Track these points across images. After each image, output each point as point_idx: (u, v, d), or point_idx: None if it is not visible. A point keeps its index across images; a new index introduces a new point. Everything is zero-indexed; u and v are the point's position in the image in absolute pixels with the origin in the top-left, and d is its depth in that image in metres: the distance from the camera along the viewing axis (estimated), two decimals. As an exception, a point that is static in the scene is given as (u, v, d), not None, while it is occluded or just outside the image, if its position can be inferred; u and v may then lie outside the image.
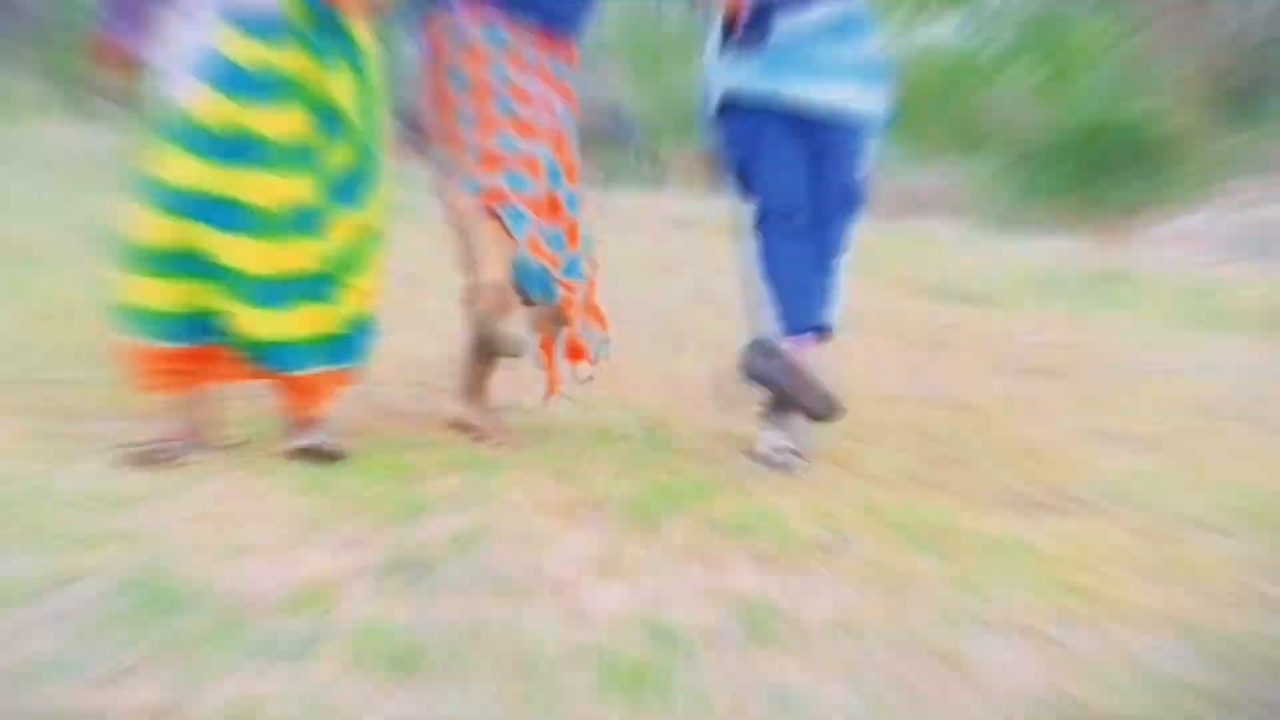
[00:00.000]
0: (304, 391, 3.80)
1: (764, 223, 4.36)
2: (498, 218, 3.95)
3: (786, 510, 3.68)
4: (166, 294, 3.57)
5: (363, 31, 3.75)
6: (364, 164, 3.76)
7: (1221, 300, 8.41)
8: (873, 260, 8.39)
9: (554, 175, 4.11)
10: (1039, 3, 18.15)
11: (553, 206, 4.13)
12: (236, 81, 3.52)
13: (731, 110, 4.43)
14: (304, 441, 3.80)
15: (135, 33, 3.72)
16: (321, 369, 3.77)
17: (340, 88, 3.68)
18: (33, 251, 6.40)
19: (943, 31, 18.62)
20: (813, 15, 4.30)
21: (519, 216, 3.94)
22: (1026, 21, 17.47)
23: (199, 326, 3.64)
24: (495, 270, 3.97)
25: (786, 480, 4.05)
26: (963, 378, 5.76)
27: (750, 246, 4.38)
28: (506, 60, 4.01)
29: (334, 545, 3.22)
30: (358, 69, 3.73)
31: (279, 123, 3.56)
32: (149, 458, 3.61)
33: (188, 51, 3.59)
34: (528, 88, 4.04)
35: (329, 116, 3.66)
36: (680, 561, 3.32)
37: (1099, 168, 14.46)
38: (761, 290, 4.34)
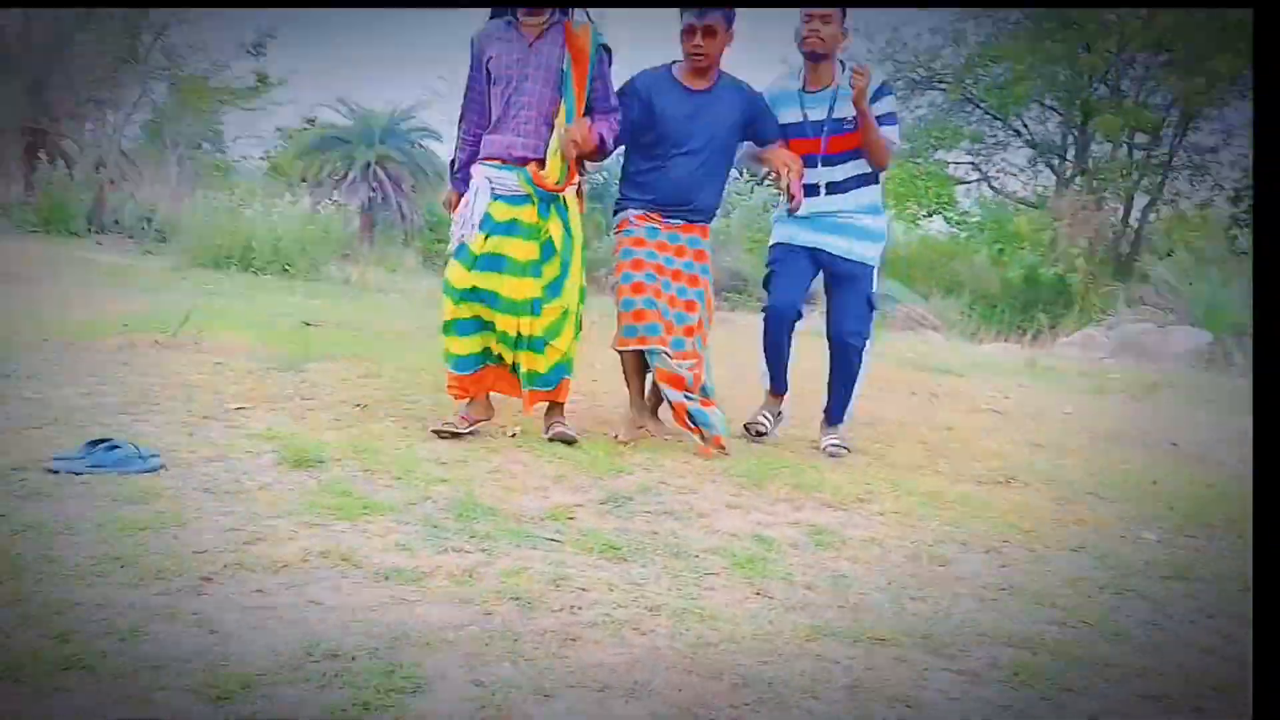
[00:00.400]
0: (538, 399, 3.92)
1: (769, 318, 4.23)
2: (640, 354, 4.02)
3: (838, 479, 3.63)
4: (463, 345, 3.83)
5: (571, 201, 3.85)
6: (563, 276, 3.82)
7: (1101, 379, 8.29)
8: (891, 351, 8.29)
9: (680, 320, 4.03)
10: (992, 205, 17.94)
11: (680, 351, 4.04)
12: (495, 228, 3.75)
13: (775, 248, 4.30)
14: (554, 430, 3.87)
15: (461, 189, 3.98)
16: (535, 389, 3.88)
17: (554, 231, 3.80)
18: (405, 337, 6.60)
19: (936, 224, 18.52)
20: (862, 197, 4.18)
21: (654, 354, 3.96)
22: (985, 218, 17.28)
23: (481, 360, 3.89)
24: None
25: (839, 463, 3.98)
26: (946, 413, 5.63)
27: (764, 334, 4.27)
28: (656, 246, 4.02)
29: (570, 488, 3.26)
30: (565, 222, 3.82)
31: (518, 249, 3.76)
32: (453, 433, 3.78)
33: (471, 211, 3.78)
34: (667, 264, 4.03)
35: (548, 247, 3.79)
36: (775, 503, 3.30)
37: (1030, 303, 14.30)
38: (765, 363, 4.32)
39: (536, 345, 3.81)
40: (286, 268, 10.93)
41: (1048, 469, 4.28)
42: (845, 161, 4.14)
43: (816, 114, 4.11)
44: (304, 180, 17.59)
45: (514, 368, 3.88)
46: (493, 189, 3.78)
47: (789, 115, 4.14)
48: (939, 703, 1.93)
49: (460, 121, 3.95)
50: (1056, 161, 17.49)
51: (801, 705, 1.85)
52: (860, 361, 4.23)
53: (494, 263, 3.75)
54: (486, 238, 3.75)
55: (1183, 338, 11.48)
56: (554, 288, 3.81)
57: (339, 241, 13.51)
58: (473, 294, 3.75)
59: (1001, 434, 5.10)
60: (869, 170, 4.17)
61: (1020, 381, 7.82)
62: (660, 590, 2.40)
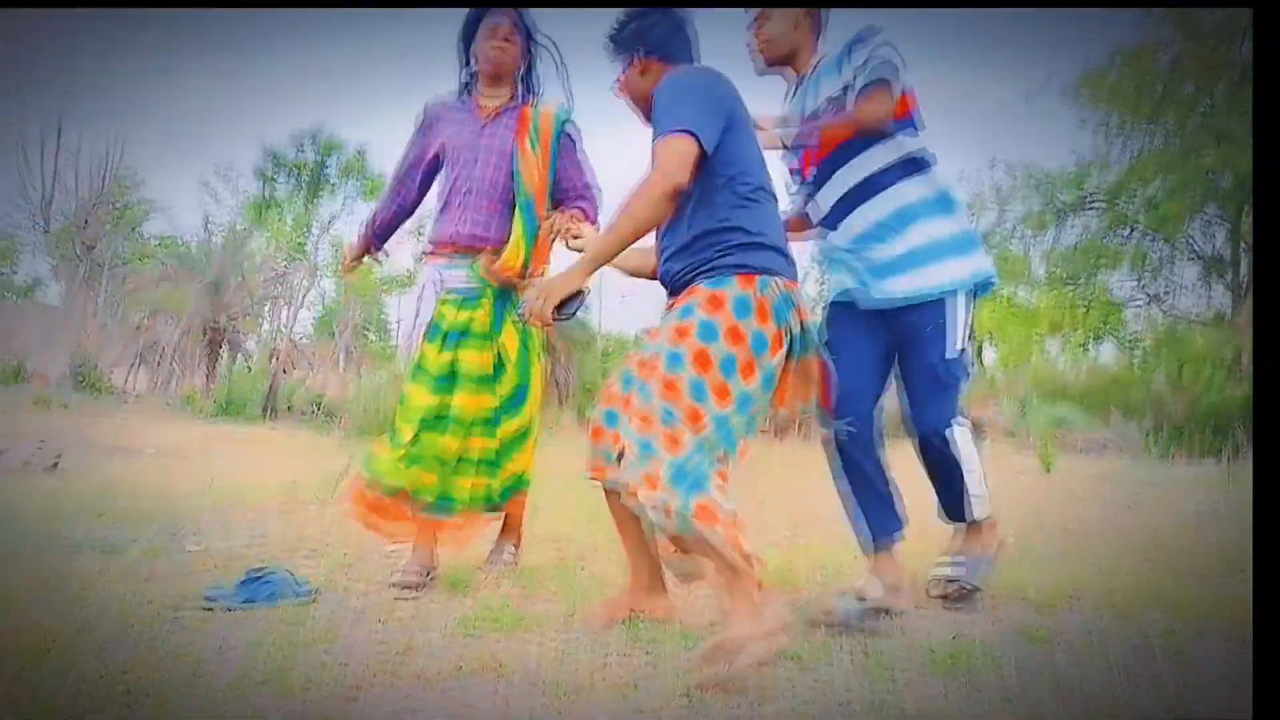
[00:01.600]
0: (479, 524, 3.49)
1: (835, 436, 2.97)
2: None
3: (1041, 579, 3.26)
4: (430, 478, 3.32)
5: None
6: (524, 386, 3.40)
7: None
8: (1076, 469, 7.74)
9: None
10: (1164, 325, 17.10)
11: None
12: (449, 336, 3.33)
13: (829, 310, 3.15)
14: (502, 558, 3.55)
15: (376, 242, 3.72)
16: (487, 509, 3.42)
17: (508, 341, 3.38)
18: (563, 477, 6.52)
19: (1106, 350, 17.79)
20: (854, 225, 2.98)
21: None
22: (1160, 338, 16.45)
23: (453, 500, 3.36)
24: None
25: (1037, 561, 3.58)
26: (1147, 517, 5.12)
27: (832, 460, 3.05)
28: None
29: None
30: (521, 328, 3.41)
31: (472, 360, 3.32)
32: (416, 584, 3.24)
33: (416, 315, 3.43)
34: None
35: (502, 356, 3.36)
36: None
37: (1223, 424, 13.37)
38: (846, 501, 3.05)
39: (490, 467, 3.37)
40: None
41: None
42: (830, 175, 3.03)
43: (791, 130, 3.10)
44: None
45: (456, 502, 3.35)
46: (442, 286, 3.40)
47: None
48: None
49: (389, 184, 3.66)
50: (1229, 275, 16.61)
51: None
52: (954, 451, 2.93)
53: (449, 377, 3.32)
54: (441, 349, 3.33)
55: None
56: (511, 401, 3.38)
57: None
58: (427, 416, 3.28)
59: (1217, 531, 4.59)
60: (881, 167, 2.95)
61: (1226, 493, 7.14)
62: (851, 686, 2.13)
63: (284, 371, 17.02)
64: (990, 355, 19.30)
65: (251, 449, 9.31)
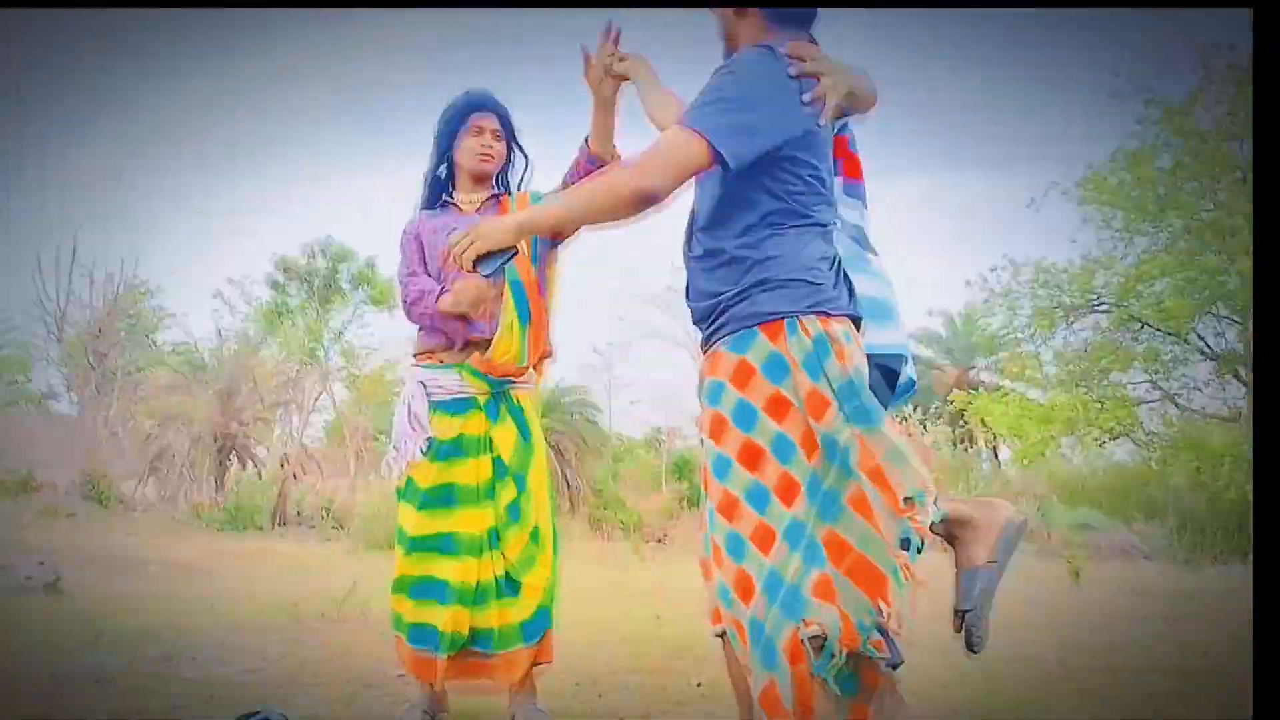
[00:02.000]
0: (509, 668, 3.02)
1: None
2: None
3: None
4: (424, 612, 3.01)
5: (526, 400, 3.15)
6: (520, 492, 3.04)
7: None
8: (1102, 579, 7.53)
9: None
10: (1180, 423, 16.94)
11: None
12: (441, 450, 3.01)
13: None
14: (520, 713, 3.02)
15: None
16: (516, 649, 3.00)
17: (503, 441, 3.05)
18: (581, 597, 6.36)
19: (1124, 448, 17.62)
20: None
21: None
22: (1176, 437, 16.27)
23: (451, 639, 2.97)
24: None
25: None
26: (1191, 635, 4.93)
27: None
28: None
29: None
30: (520, 426, 3.10)
31: (468, 472, 3.00)
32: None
33: (403, 428, 3.06)
34: None
35: (498, 464, 3.03)
36: None
37: (1241, 525, 13.21)
38: None
39: (508, 589, 3.01)
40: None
41: None
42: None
43: None
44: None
45: (480, 640, 3.00)
46: (428, 395, 3.07)
47: None
48: None
49: (405, 307, 3.13)
50: (1243, 371, 16.49)
51: None
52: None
53: (445, 496, 3.01)
54: (433, 464, 3.02)
55: None
56: (512, 510, 3.03)
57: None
58: (426, 542, 2.99)
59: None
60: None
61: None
62: None
63: (294, 477, 16.92)
64: (1005, 454, 19.13)
65: (257, 563, 9.18)
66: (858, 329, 2.13)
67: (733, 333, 2.06)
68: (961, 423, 17.83)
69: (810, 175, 2.10)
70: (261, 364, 17.63)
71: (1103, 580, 7.71)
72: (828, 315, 2.04)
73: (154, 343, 20.79)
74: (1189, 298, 14.98)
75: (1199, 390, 17.33)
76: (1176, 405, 17.40)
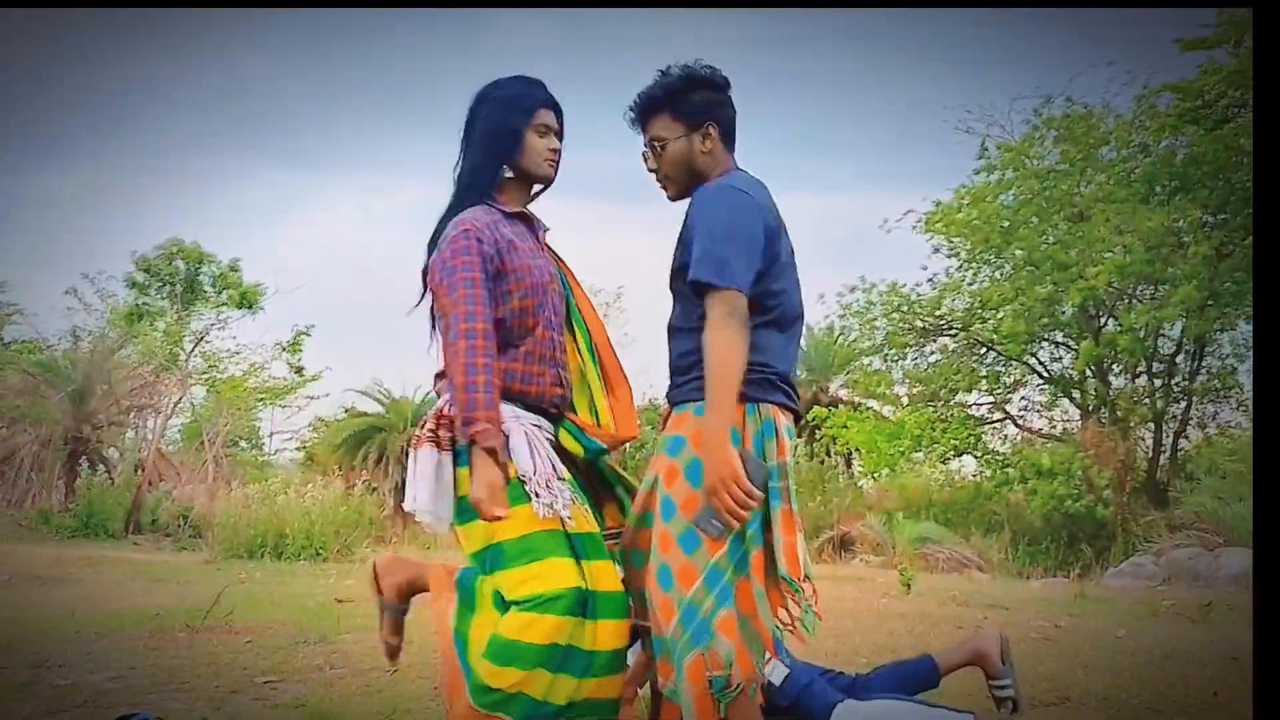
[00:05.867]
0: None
1: None
2: None
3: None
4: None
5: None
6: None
7: (1154, 604, 8.01)
8: (934, 590, 8.11)
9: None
10: (1021, 442, 18.05)
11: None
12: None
13: None
14: None
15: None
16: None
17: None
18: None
19: (967, 464, 18.60)
20: None
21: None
22: (1013, 456, 17.31)
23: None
24: None
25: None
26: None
27: None
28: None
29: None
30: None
31: (580, 520, 2.46)
32: None
33: (542, 462, 2.47)
34: None
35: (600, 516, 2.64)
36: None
37: (1073, 539, 14.19)
38: None
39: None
40: (319, 552, 11.01)
41: (1102, 689, 4.11)
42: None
43: None
44: (339, 468, 17.97)
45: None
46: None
47: None
48: None
49: (468, 343, 2.40)
50: (1077, 395, 17.70)
51: None
52: None
53: (594, 544, 2.47)
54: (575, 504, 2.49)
55: (1235, 559, 11.19)
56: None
57: (373, 524, 13.62)
58: (581, 601, 2.36)
59: (1052, 659, 4.93)
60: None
61: (1071, 611, 7.59)
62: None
63: (149, 484, 16.47)
64: (857, 467, 19.98)
65: (114, 571, 9.00)
66: (796, 423, 2.51)
67: (698, 402, 2.34)
68: (818, 437, 18.59)
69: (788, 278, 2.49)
70: (119, 366, 17.10)
71: (932, 590, 8.28)
72: (783, 408, 2.43)
73: (1, 340, 19.93)
74: (1026, 323, 16.02)
75: (1037, 412, 18.54)
76: (1017, 425, 18.56)
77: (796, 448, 2.58)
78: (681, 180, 2.55)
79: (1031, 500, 15.18)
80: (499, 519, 2.33)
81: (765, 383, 2.39)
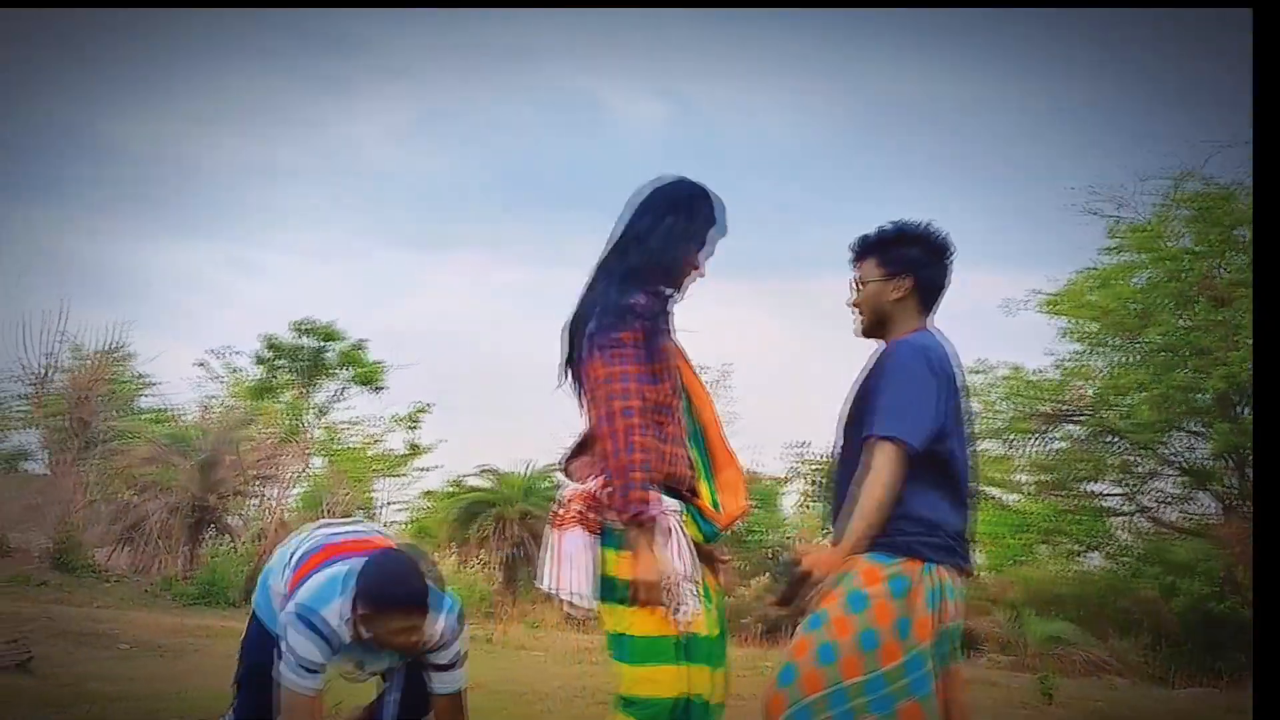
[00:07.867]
0: None
1: None
2: None
3: None
4: None
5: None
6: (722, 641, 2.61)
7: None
8: (1076, 701, 7.48)
9: None
10: (1152, 536, 16.99)
11: None
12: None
13: None
14: None
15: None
16: None
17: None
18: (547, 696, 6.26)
19: (1094, 559, 17.67)
20: None
21: None
22: (1145, 550, 16.34)
23: None
24: None
25: None
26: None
27: None
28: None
29: None
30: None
31: (699, 623, 2.50)
32: None
33: (685, 567, 2.48)
34: None
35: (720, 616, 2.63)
36: None
37: (1216, 641, 13.20)
38: None
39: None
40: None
41: None
42: None
43: None
44: (451, 541, 17.92)
45: None
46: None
47: None
48: None
49: (626, 422, 2.41)
50: (1217, 487, 16.58)
51: None
52: None
53: (703, 648, 2.53)
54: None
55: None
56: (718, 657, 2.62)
57: (482, 598, 13.50)
58: (683, 706, 2.44)
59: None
60: None
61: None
62: None
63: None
64: (981, 559, 19.08)
65: (227, 643, 8.95)
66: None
67: (876, 550, 2.45)
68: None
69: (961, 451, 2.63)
70: (248, 437, 17.49)
71: (1070, 703, 7.64)
72: (958, 570, 2.54)
73: (133, 410, 20.58)
74: (1161, 412, 15.16)
75: (1170, 504, 17.41)
76: (1150, 518, 17.45)
77: None
78: (868, 318, 2.73)
79: (1171, 600, 14.18)
80: (655, 605, 2.37)
81: (941, 546, 2.51)
